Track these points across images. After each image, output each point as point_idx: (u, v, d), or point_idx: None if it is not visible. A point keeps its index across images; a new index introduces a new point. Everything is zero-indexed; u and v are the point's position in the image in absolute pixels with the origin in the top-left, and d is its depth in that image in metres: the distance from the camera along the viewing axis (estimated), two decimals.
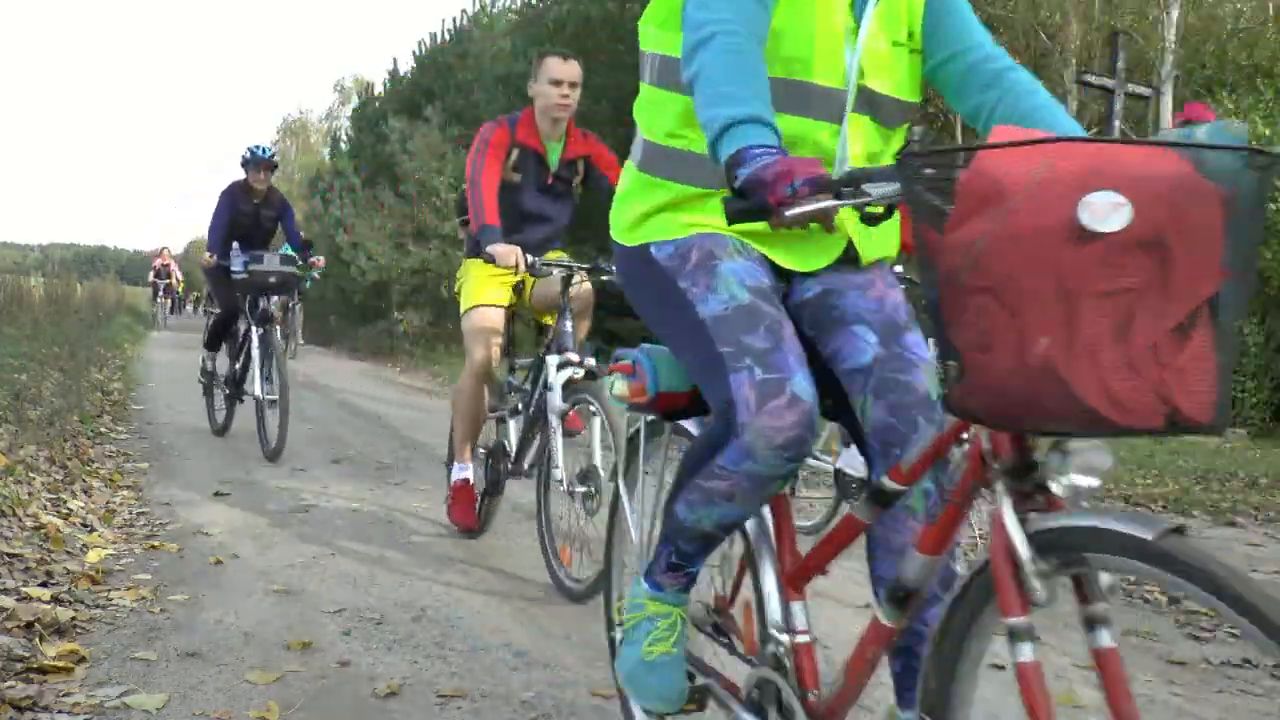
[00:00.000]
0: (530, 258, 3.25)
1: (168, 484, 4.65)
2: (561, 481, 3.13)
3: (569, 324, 3.31)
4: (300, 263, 6.01)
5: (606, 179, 3.64)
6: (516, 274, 3.30)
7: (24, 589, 2.67)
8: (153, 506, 4.12)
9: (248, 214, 6.09)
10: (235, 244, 5.73)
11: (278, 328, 5.69)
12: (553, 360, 3.28)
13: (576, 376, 3.23)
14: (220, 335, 6.31)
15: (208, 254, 5.89)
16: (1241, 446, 8.98)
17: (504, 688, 2.34)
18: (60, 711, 2.03)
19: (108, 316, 19.15)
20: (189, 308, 38.98)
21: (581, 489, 3.10)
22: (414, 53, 26.48)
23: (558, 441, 3.18)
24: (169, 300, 22.49)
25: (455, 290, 3.76)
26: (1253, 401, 12.51)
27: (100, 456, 5.08)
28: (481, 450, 3.80)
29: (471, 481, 3.73)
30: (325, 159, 38.84)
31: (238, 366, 5.99)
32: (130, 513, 3.97)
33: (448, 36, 25.74)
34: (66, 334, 11.29)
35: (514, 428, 3.68)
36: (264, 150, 6.11)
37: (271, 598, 2.96)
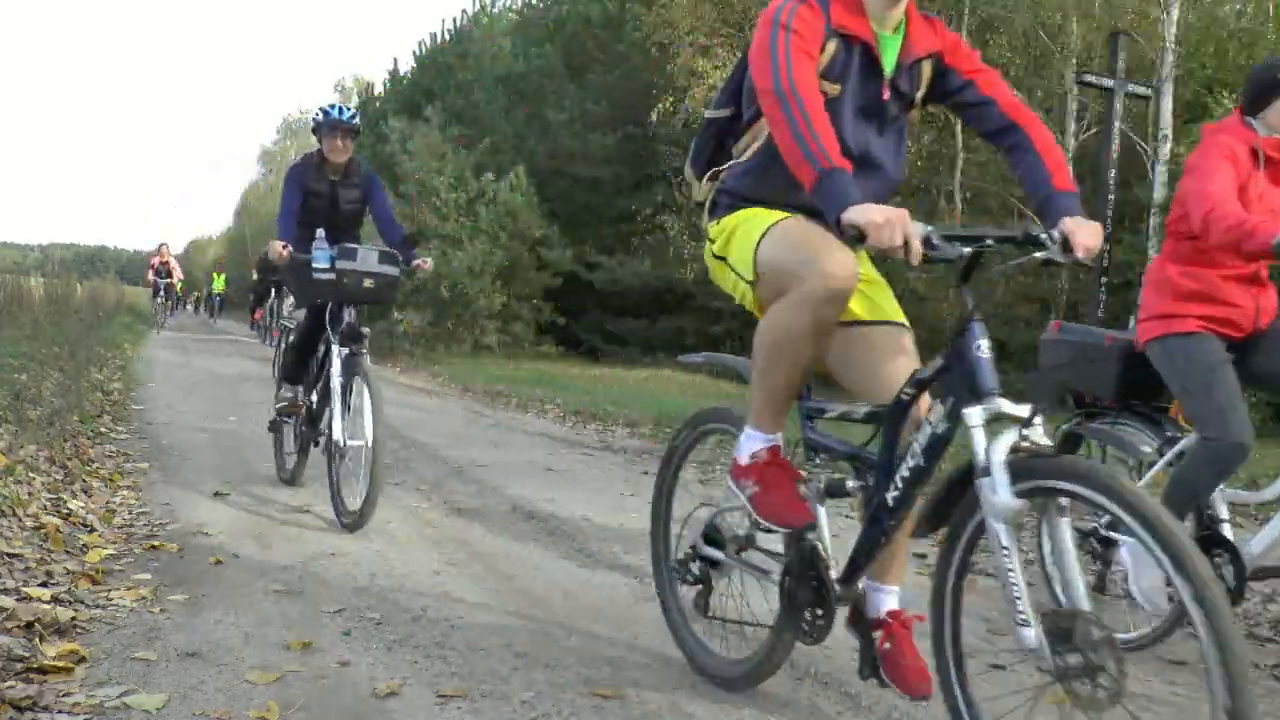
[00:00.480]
0: (927, 228, 1.76)
1: (168, 484, 4.65)
2: (1040, 649, 1.66)
3: (984, 343, 1.80)
4: (403, 264, 4.39)
5: (973, 88, 2.13)
6: (909, 261, 1.73)
7: (24, 589, 2.66)
8: (153, 506, 4.12)
9: (322, 195, 4.57)
10: (320, 231, 4.25)
11: (366, 350, 4.19)
12: (976, 414, 1.76)
13: (1028, 444, 1.73)
14: (305, 355, 4.58)
15: (280, 244, 4.27)
16: None
17: (504, 688, 2.34)
18: (60, 711, 2.03)
19: (108, 316, 19.16)
20: (188, 307, 38.92)
21: (1073, 658, 1.63)
22: (414, 53, 26.53)
23: (1016, 567, 1.68)
24: (169, 300, 21.67)
25: (713, 252, 2.27)
26: (1252, 401, 12.53)
27: (100, 456, 5.07)
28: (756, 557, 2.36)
29: (782, 451, 2.19)
30: None
31: (313, 398, 4.53)
32: (130, 513, 3.97)
33: (448, 36, 25.77)
34: (66, 334, 11.29)
35: (825, 518, 2.21)
36: (341, 111, 4.57)
37: (271, 598, 2.96)
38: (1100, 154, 14.83)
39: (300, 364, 4.62)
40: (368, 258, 4.19)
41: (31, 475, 3.91)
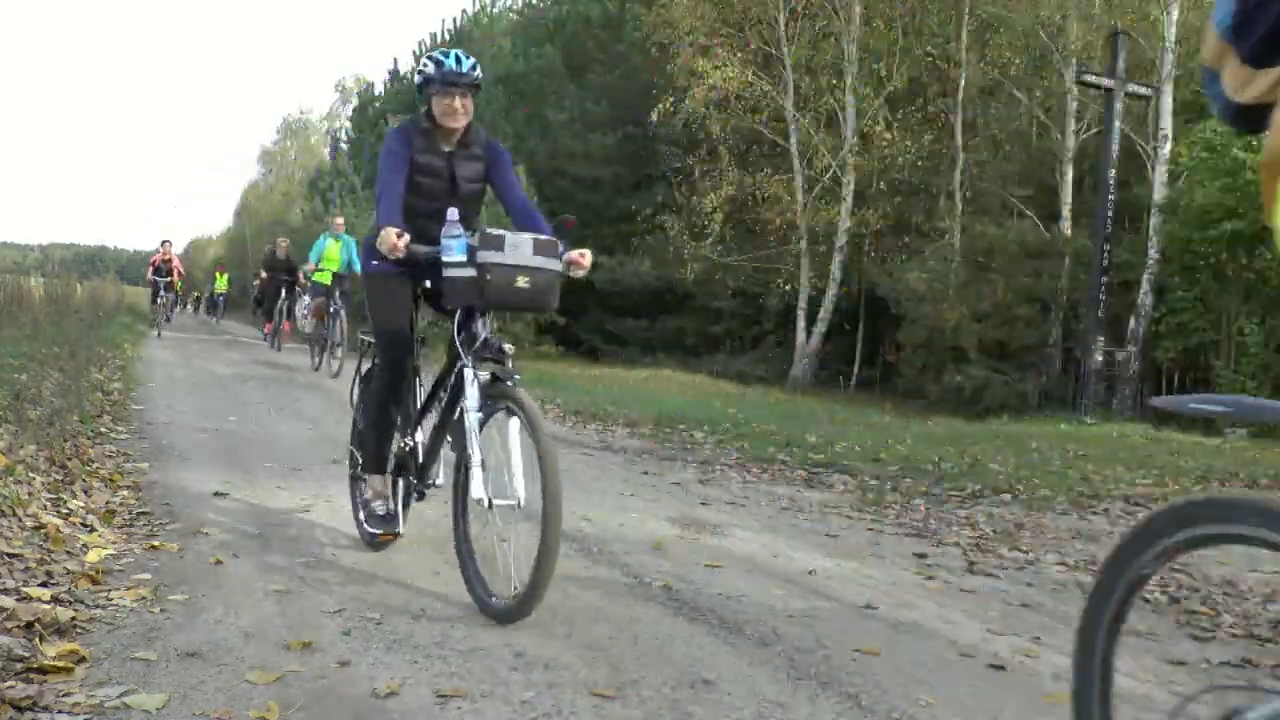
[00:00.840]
0: None
1: (168, 484, 4.64)
2: None
3: None
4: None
5: None
6: None
7: (24, 589, 2.66)
8: (153, 506, 4.12)
9: (436, 171, 3.39)
10: (453, 211, 3.11)
11: (518, 375, 3.03)
12: None
13: None
14: (388, 416, 3.49)
15: (394, 232, 3.04)
16: (1241, 446, 8.98)
17: (504, 688, 2.34)
18: (60, 711, 2.03)
19: (108, 316, 19.14)
20: (188, 307, 38.73)
21: None
22: (414, 53, 26.57)
23: None
24: (169, 301, 19.93)
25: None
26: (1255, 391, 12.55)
27: (100, 456, 5.07)
28: None
29: None
30: (326, 159, 38.90)
31: (418, 439, 3.48)
32: (130, 513, 3.97)
33: (448, 36, 25.81)
34: (66, 334, 11.28)
35: None
36: (459, 60, 3.36)
37: (271, 598, 2.96)
38: (1100, 154, 14.85)
39: (387, 429, 3.48)
40: (520, 247, 3.03)
41: (31, 475, 3.91)
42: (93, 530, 3.54)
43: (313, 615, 2.82)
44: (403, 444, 3.49)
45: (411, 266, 3.26)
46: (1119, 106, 14.40)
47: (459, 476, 3.06)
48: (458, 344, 3.14)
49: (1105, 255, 14.33)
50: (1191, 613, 3.29)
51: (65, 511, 3.63)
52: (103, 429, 6.03)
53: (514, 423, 2.90)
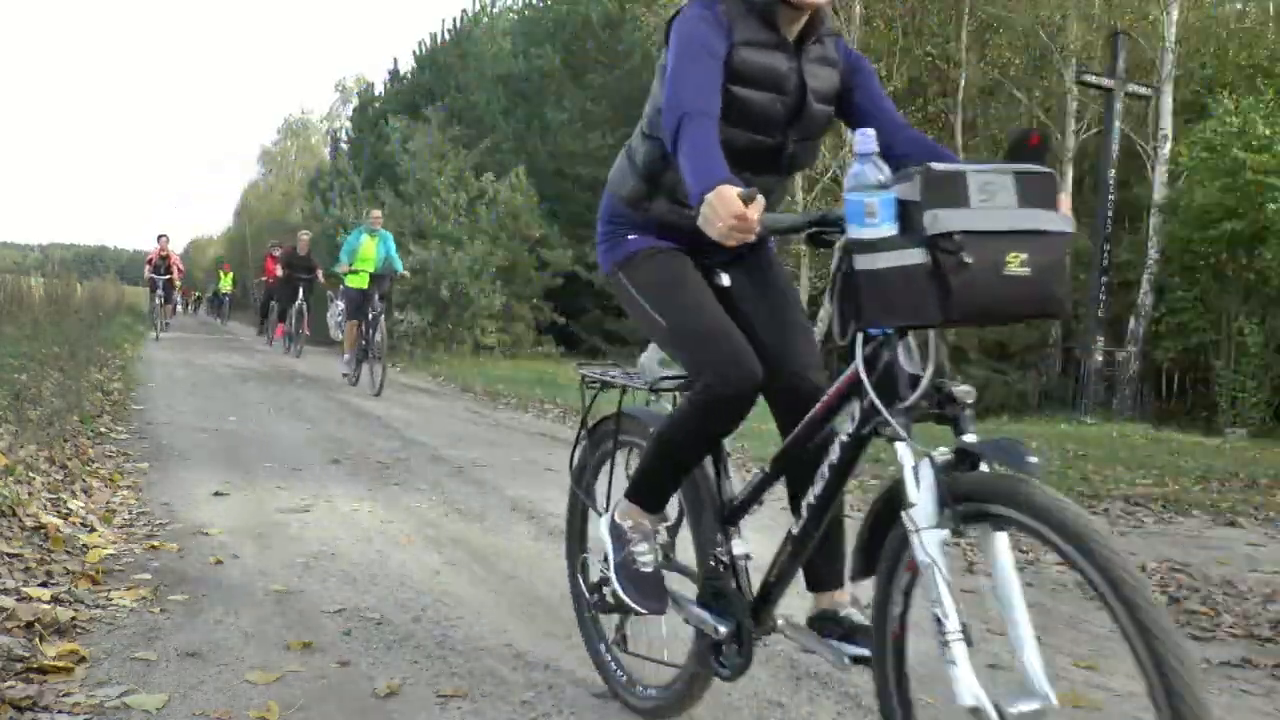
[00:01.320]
0: None
1: (168, 484, 4.65)
2: None
3: None
4: None
5: None
6: None
7: (24, 589, 2.67)
8: (153, 506, 4.12)
9: (774, 79, 1.91)
10: (865, 135, 1.51)
11: (1003, 439, 1.55)
12: None
13: None
14: (687, 464, 2.11)
15: (731, 191, 1.52)
16: (1241, 446, 8.99)
17: (504, 688, 2.34)
18: (60, 711, 2.03)
19: (108, 316, 19.12)
20: (188, 307, 38.60)
21: None
22: (414, 53, 26.58)
23: None
24: (169, 301, 18.60)
25: None
26: (1253, 401, 12.53)
27: (100, 456, 5.07)
28: None
29: None
30: (326, 159, 38.90)
31: (737, 553, 2.03)
32: (130, 513, 3.97)
33: (448, 36, 25.82)
34: (66, 334, 11.29)
35: None
36: None
37: (271, 598, 2.96)
38: (1100, 154, 14.85)
39: (664, 494, 2.13)
40: (997, 192, 1.47)
41: (31, 475, 3.91)
42: (93, 530, 3.54)
43: (313, 615, 2.82)
44: (714, 560, 2.04)
45: (695, 243, 1.93)
46: (1119, 106, 14.40)
47: (886, 652, 1.73)
48: (867, 389, 1.62)
49: (1105, 255, 14.33)
50: (1191, 613, 3.28)
51: (65, 511, 3.63)
52: (103, 429, 6.03)
53: (1002, 542, 1.57)
